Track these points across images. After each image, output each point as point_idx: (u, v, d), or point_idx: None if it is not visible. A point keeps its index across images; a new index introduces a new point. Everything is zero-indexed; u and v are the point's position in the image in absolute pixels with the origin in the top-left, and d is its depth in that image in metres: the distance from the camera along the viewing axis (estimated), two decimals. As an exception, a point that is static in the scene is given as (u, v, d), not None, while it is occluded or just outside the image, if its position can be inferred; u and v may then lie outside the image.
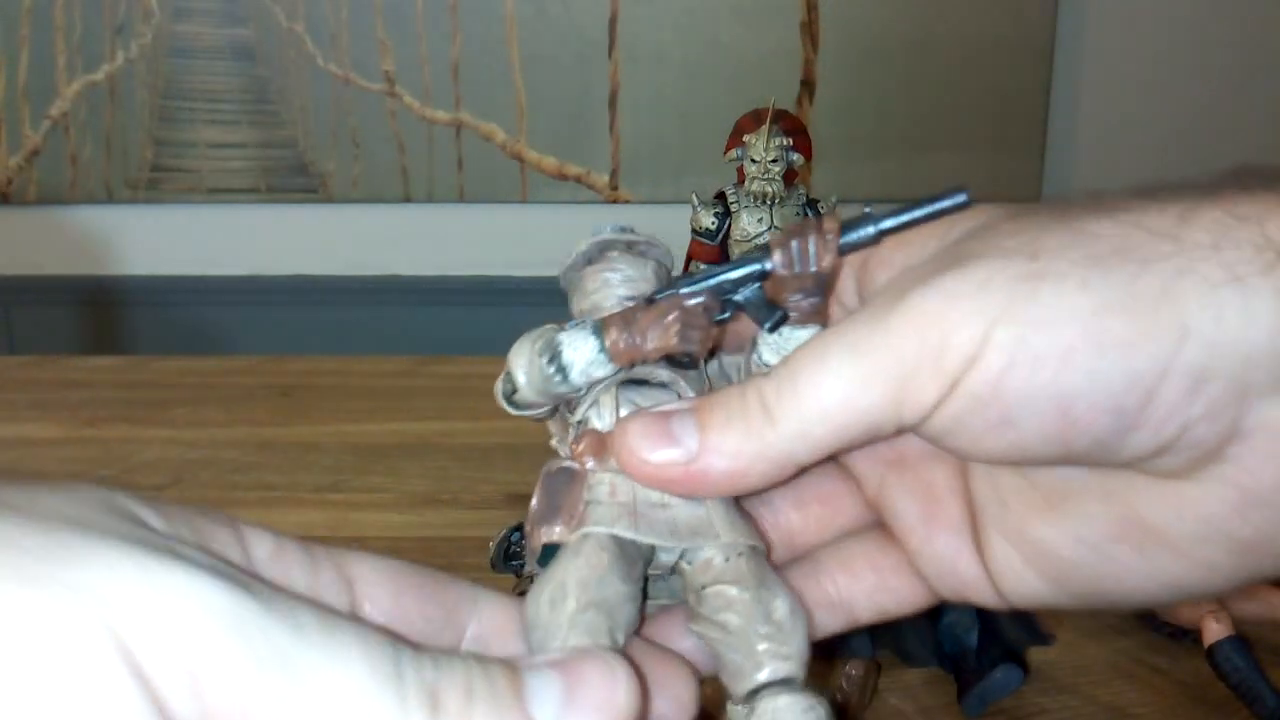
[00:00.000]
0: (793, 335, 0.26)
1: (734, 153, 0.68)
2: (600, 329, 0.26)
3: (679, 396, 0.26)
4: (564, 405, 0.27)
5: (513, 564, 0.55)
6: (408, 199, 1.57)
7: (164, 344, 1.61)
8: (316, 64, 1.53)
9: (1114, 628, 0.53)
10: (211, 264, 1.62)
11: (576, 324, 0.26)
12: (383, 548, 0.67)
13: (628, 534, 0.24)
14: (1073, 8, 1.50)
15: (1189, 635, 0.51)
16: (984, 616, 0.51)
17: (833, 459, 0.27)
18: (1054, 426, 0.22)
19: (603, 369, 0.26)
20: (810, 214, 0.69)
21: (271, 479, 0.72)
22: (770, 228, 0.68)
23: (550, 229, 1.59)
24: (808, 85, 1.50)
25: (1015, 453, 0.23)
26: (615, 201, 1.56)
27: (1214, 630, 0.47)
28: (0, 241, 1.61)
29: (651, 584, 0.25)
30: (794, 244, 0.25)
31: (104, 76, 1.54)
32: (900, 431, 0.24)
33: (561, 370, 0.26)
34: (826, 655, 0.50)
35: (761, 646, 0.23)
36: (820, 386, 0.23)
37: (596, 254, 0.28)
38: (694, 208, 0.70)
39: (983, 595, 0.26)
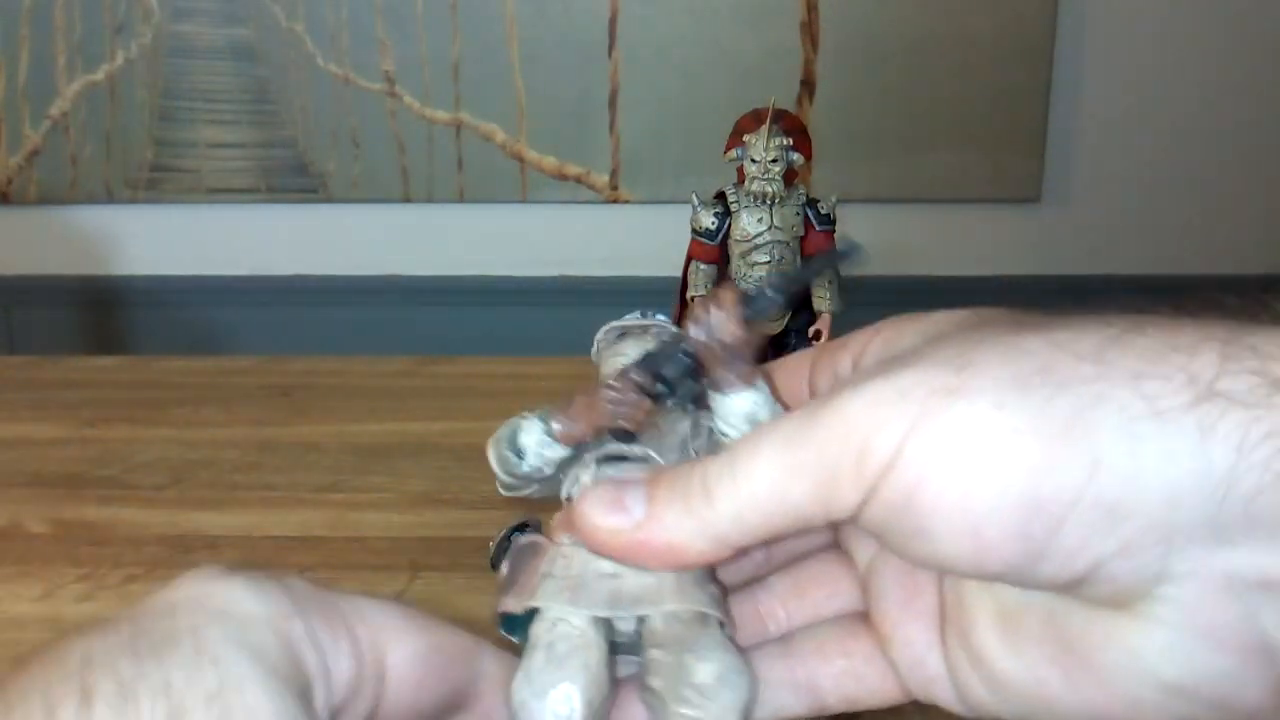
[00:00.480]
0: (727, 400, 0.28)
1: (734, 153, 0.68)
2: (546, 416, 0.29)
3: (656, 468, 0.28)
4: (555, 486, 0.30)
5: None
6: (408, 199, 1.57)
7: (164, 344, 1.62)
8: (316, 64, 1.53)
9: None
10: (211, 264, 1.62)
11: (532, 413, 0.30)
12: (383, 548, 0.68)
13: (565, 606, 0.25)
14: (1073, 8, 1.50)
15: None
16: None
17: (834, 549, 0.29)
18: (965, 545, 0.22)
19: (552, 450, 0.29)
20: (810, 214, 0.69)
21: (271, 479, 0.72)
22: (770, 227, 0.68)
23: (550, 229, 1.59)
24: (808, 85, 1.50)
25: (937, 564, 0.23)
26: (615, 201, 1.56)
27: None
28: (0, 241, 1.61)
29: (618, 648, 0.26)
30: (703, 318, 0.28)
31: (104, 76, 1.54)
32: (834, 525, 0.24)
33: (519, 453, 0.29)
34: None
35: (678, 709, 0.24)
36: (753, 475, 0.24)
37: (614, 339, 0.32)
38: (694, 208, 0.70)
39: (945, 696, 0.26)
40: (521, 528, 0.57)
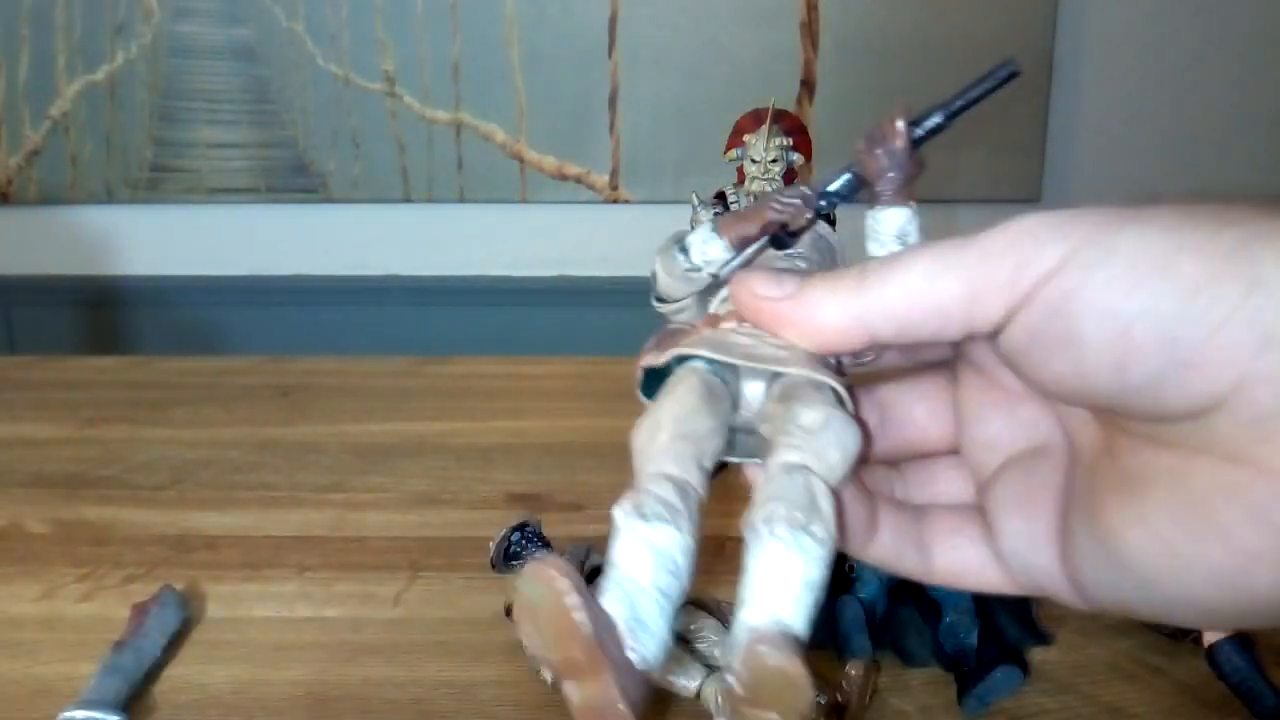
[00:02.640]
0: (881, 214, 0.30)
1: (734, 153, 0.68)
2: (714, 219, 0.31)
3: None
4: (705, 298, 0.31)
5: (513, 564, 0.55)
6: (408, 199, 1.57)
7: (164, 344, 1.62)
8: (316, 64, 1.53)
9: (1114, 628, 0.53)
10: (212, 264, 1.62)
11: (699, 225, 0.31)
12: (383, 548, 0.68)
13: (705, 352, 0.27)
14: (1073, 8, 1.50)
15: (1189, 635, 0.51)
16: (984, 616, 0.51)
17: (956, 458, 0.30)
18: (1114, 348, 0.23)
19: (715, 247, 0.30)
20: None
21: (272, 479, 0.72)
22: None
23: (550, 229, 1.59)
24: (807, 85, 1.50)
25: (1077, 378, 0.24)
26: (615, 201, 1.56)
27: (1214, 630, 0.47)
28: (0, 241, 1.61)
29: (739, 441, 0.28)
30: (872, 130, 0.30)
31: (104, 76, 1.54)
32: (969, 335, 0.25)
33: (684, 250, 0.31)
34: (820, 648, 0.50)
35: (780, 439, 0.25)
36: (910, 267, 0.25)
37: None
38: (694, 208, 0.70)
39: (1050, 582, 0.27)
40: (521, 527, 0.57)
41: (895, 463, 0.31)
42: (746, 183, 0.68)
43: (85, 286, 1.62)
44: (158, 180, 1.57)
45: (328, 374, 0.89)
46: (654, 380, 0.28)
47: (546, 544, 0.56)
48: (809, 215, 0.30)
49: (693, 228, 0.74)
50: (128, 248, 1.62)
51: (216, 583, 0.60)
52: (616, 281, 1.57)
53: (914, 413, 0.31)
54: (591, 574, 0.28)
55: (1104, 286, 0.23)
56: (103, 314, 1.65)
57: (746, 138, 0.67)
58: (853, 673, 0.47)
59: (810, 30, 1.49)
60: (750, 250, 0.31)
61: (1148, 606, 0.25)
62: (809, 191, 0.30)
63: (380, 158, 1.55)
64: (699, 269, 0.31)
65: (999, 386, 0.29)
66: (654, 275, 0.32)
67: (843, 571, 0.53)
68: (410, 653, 0.54)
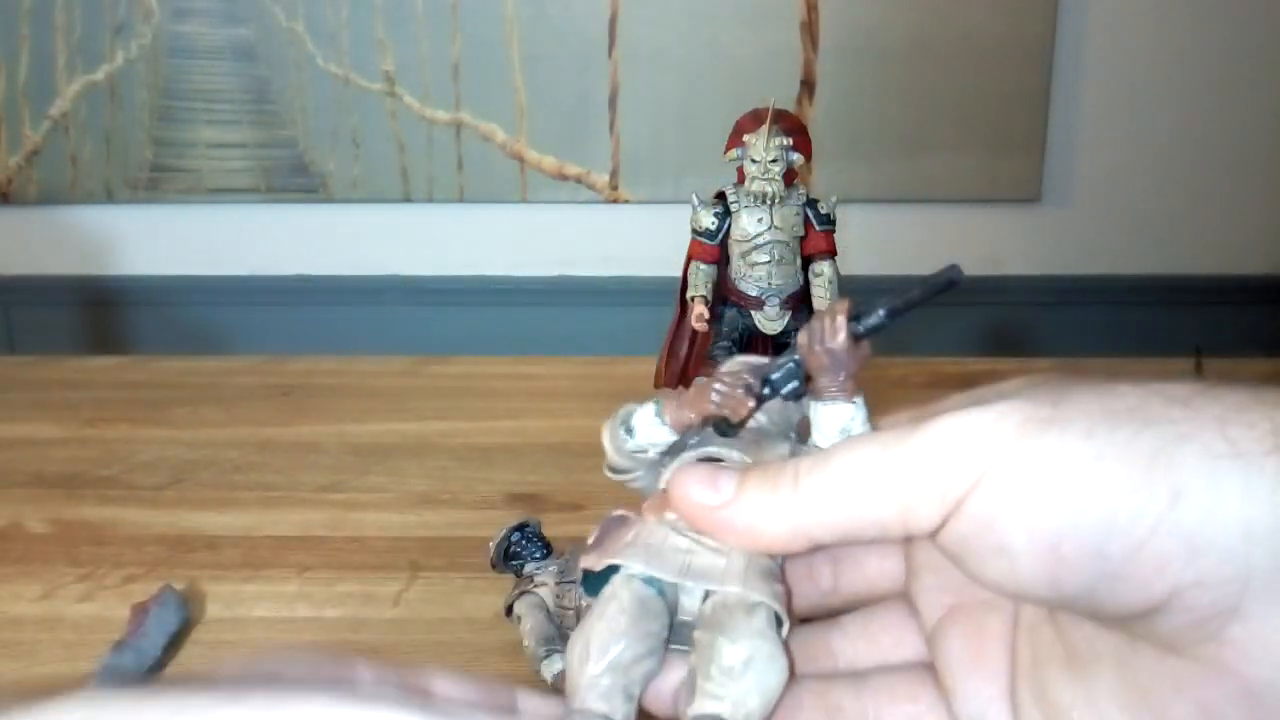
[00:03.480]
0: (824, 409, 0.30)
1: (734, 153, 0.68)
2: (660, 402, 0.31)
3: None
4: (656, 468, 0.32)
5: (512, 564, 0.55)
6: (408, 199, 1.57)
7: (164, 344, 1.62)
8: (316, 64, 1.53)
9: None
10: (212, 264, 1.62)
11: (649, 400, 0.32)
12: (383, 548, 0.68)
13: (637, 566, 0.27)
14: (1073, 8, 1.50)
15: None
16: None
17: (903, 600, 0.30)
18: (1043, 562, 0.23)
19: (659, 431, 0.31)
20: (810, 213, 0.69)
21: (272, 479, 0.72)
22: (770, 227, 0.68)
23: (550, 229, 1.59)
24: (807, 85, 1.50)
25: (1014, 583, 0.24)
26: (615, 202, 1.56)
27: None
28: (1, 241, 1.61)
29: (678, 631, 0.28)
30: (814, 325, 0.29)
31: (104, 76, 1.54)
32: (910, 538, 0.26)
33: (629, 431, 0.31)
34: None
35: (700, 684, 0.25)
36: (843, 475, 0.25)
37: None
38: (694, 208, 0.70)
39: None
40: (521, 527, 0.57)
41: (837, 615, 0.31)
42: (747, 182, 0.68)
43: (85, 286, 1.62)
44: (158, 180, 1.57)
45: (328, 374, 0.89)
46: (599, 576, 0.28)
47: (546, 544, 0.56)
48: (751, 405, 0.30)
49: (693, 229, 0.74)
50: (128, 247, 1.62)
51: (216, 583, 0.60)
52: (616, 281, 1.57)
53: (865, 562, 0.30)
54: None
55: (1028, 503, 0.23)
56: (103, 314, 1.65)
57: (747, 138, 0.67)
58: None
59: (810, 30, 1.49)
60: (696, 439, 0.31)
61: None
62: (752, 380, 0.30)
63: (380, 157, 1.55)
64: (645, 450, 0.31)
65: None
66: (604, 449, 0.32)
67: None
68: (410, 653, 0.54)
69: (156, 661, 0.52)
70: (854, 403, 0.29)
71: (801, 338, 0.30)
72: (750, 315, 0.69)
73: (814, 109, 1.51)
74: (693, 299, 0.69)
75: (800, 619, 0.30)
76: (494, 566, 0.56)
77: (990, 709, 0.27)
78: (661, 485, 0.30)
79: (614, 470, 0.32)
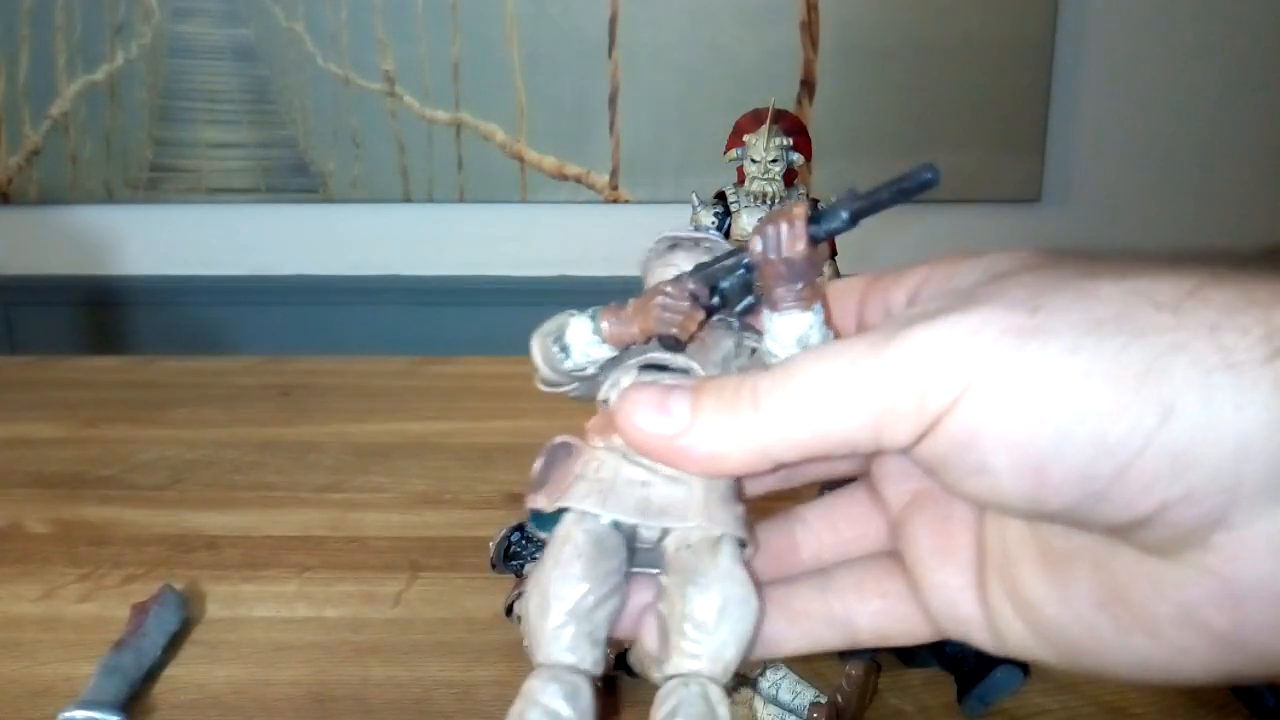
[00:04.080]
0: (779, 319, 0.27)
1: (734, 152, 0.68)
2: (596, 314, 0.28)
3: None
4: (593, 387, 0.29)
5: (512, 564, 0.55)
6: (408, 199, 1.57)
7: (164, 344, 1.62)
8: (316, 64, 1.53)
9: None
10: (212, 264, 1.62)
11: (584, 311, 0.29)
12: (383, 548, 0.68)
13: (592, 509, 0.26)
14: (1073, 8, 1.50)
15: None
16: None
17: (865, 485, 0.29)
18: (1027, 482, 0.22)
19: (599, 349, 0.28)
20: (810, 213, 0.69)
21: (272, 479, 0.72)
22: (770, 228, 0.68)
23: (550, 229, 1.59)
24: (807, 85, 1.50)
25: (995, 500, 0.23)
26: (615, 201, 1.56)
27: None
28: (0, 241, 1.61)
29: (638, 555, 0.27)
30: (769, 231, 0.27)
31: (104, 76, 1.54)
32: (881, 452, 0.24)
33: (564, 349, 0.29)
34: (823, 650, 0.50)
35: (676, 640, 0.25)
36: (807, 394, 0.24)
37: (663, 250, 0.31)
38: (694, 208, 0.70)
39: (980, 636, 0.26)
40: (521, 527, 0.57)
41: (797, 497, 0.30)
42: (747, 182, 0.68)
43: (85, 286, 1.62)
44: (158, 180, 1.57)
45: (328, 374, 0.89)
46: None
47: (545, 544, 0.56)
48: (700, 319, 0.27)
49: (693, 229, 0.74)
50: (128, 247, 1.62)
51: (216, 583, 0.60)
52: (616, 281, 1.56)
53: None
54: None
55: (1010, 421, 0.22)
56: (103, 314, 1.65)
57: (747, 138, 0.67)
58: (853, 673, 0.47)
59: (810, 30, 1.49)
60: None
61: (1074, 670, 0.25)
62: (698, 289, 0.27)
63: (380, 157, 1.55)
64: (583, 368, 0.29)
65: None
66: (534, 362, 0.30)
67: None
68: (410, 653, 0.54)
69: (156, 661, 0.52)
70: (812, 309, 0.27)
71: (755, 244, 0.27)
72: (750, 315, 0.69)
73: (814, 109, 1.51)
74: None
75: (754, 498, 0.29)
76: (494, 567, 0.56)
77: (960, 599, 0.26)
78: (602, 397, 0.28)
79: (546, 384, 0.30)
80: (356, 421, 0.80)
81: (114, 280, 1.62)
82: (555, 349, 0.29)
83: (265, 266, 1.61)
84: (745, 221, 0.68)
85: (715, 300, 0.28)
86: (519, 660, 0.52)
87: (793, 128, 0.68)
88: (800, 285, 0.27)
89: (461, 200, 1.57)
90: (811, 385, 0.24)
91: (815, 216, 0.27)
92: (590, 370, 0.29)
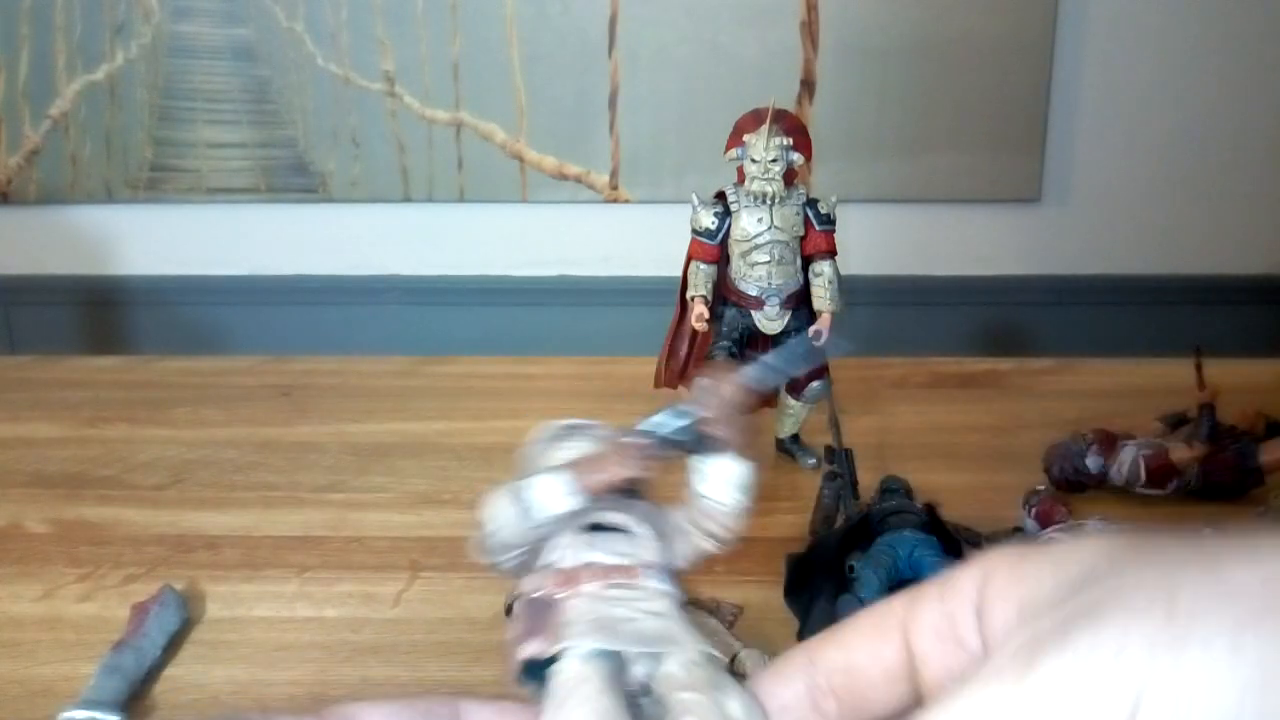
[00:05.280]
0: (719, 463, 0.31)
1: (734, 152, 0.68)
2: (564, 473, 0.31)
3: (633, 536, 0.31)
4: (530, 557, 0.32)
5: (513, 564, 0.56)
6: (408, 199, 1.57)
7: (164, 344, 1.62)
8: (316, 64, 1.53)
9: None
10: (212, 264, 1.62)
11: (531, 476, 0.32)
12: (383, 547, 0.68)
13: (600, 643, 0.27)
14: (1073, 8, 1.50)
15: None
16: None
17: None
18: None
19: (564, 502, 0.31)
20: (810, 213, 0.69)
21: (271, 479, 0.72)
22: (770, 227, 0.68)
23: (550, 229, 1.59)
24: (807, 85, 1.50)
25: None
26: (615, 201, 1.56)
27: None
28: (1, 241, 1.61)
29: (631, 711, 0.28)
30: (705, 385, 0.31)
31: (104, 76, 1.54)
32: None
33: (527, 508, 0.31)
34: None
35: None
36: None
37: (557, 438, 0.35)
38: (694, 207, 0.70)
39: None
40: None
41: None
42: (747, 182, 0.68)
43: (85, 286, 1.62)
44: (158, 180, 1.57)
45: (327, 374, 0.89)
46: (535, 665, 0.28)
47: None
48: (652, 465, 0.31)
49: (693, 229, 0.74)
50: (127, 247, 1.62)
51: (216, 583, 0.60)
52: (616, 281, 1.57)
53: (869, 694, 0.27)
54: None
55: None
56: (103, 313, 1.65)
57: (747, 137, 0.67)
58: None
59: (810, 30, 1.49)
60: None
61: None
62: (649, 441, 0.31)
63: (380, 157, 1.56)
64: (542, 525, 0.31)
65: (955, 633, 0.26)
66: (481, 530, 0.32)
67: (843, 571, 0.53)
68: (410, 653, 0.54)
69: (157, 661, 0.52)
70: (747, 460, 0.31)
71: (696, 397, 0.31)
72: (750, 315, 0.69)
73: (814, 109, 1.51)
74: (693, 299, 0.69)
75: None
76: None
77: None
78: (545, 561, 0.30)
79: (495, 549, 0.32)
80: (356, 421, 0.80)
81: (114, 280, 1.62)
82: (518, 509, 0.31)
83: (265, 266, 1.62)
84: (745, 221, 0.68)
85: (668, 450, 0.31)
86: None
87: (792, 127, 0.68)
88: (740, 434, 0.31)
89: (461, 200, 1.57)
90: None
91: (748, 374, 0.32)
92: (543, 531, 0.31)
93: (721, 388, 0.31)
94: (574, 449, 0.33)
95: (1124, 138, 1.56)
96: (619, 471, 0.31)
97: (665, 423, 0.32)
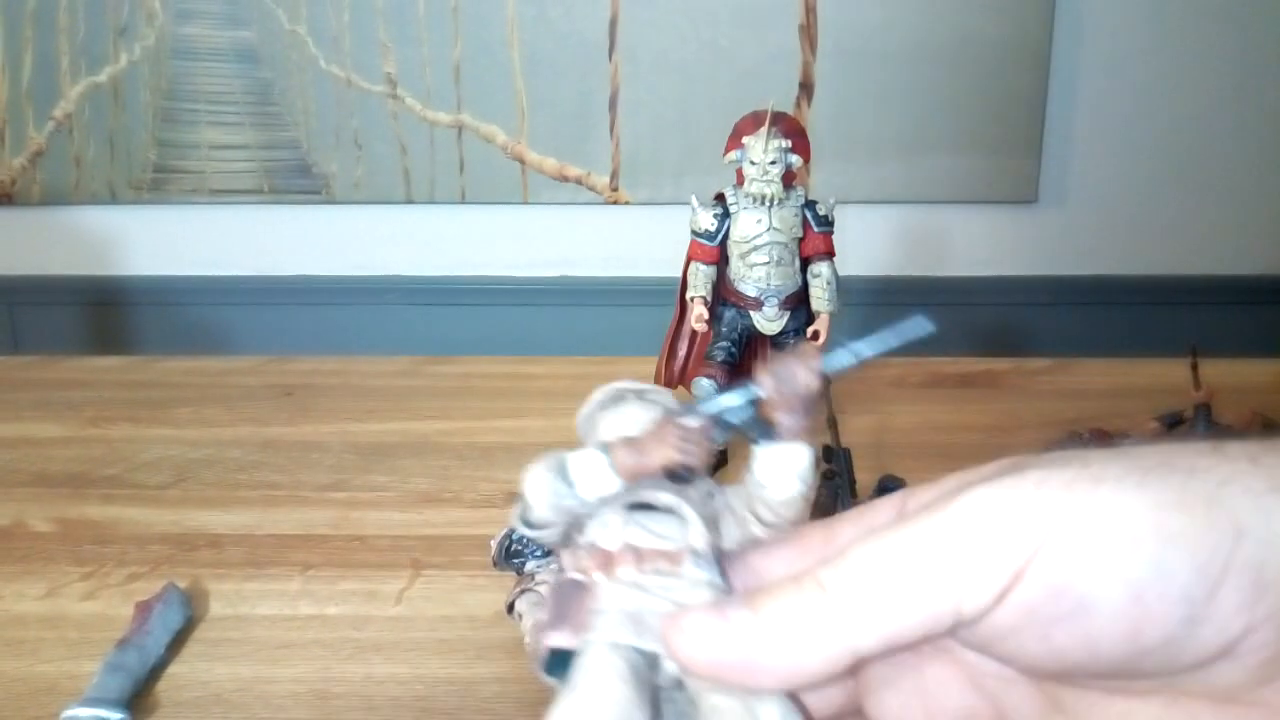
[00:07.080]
0: (781, 450, 0.29)
1: (733, 154, 0.69)
2: (607, 448, 0.29)
3: (683, 520, 0.28)
4: (573, 529, 0.30)
5: (514, 561, 0.56)
6: (409, 200, 1.58)
7: (167, 344, 1.62)
8: (319, 66, 1.53)
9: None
10: (215, 264, 1.62)
11: (583, 448, 0.30)
12: (385, 546, 0.68)
13: (628, 640, 0.26)
14: (1070, 10, 1.50)
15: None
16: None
17: None
18: (1128, 615, 0.22)
19: (606, 482, 0.29)
20: (809, 215, 0.69)
21: (274, 478, 0.72)
22: (769, 229, 0.68)
23: (551, 230, 1.60)
24: (806, 87, 1.51)
25: (1083, 648, 0.23)
26: (616, 203, 1.56)
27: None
28: (5, 242, 1.62)
29: (661, 704, 0.26)
30: (780, 370, 0.28)
31: (107, 78, 1.54)
32: (957, 625, 0.23)
33: (569, 484, 0.29)
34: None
35: None
36: (877, 569, 0.23)
37: (610, 402, 0.32)
38: (694, 209, 0.70)
39: None
40: (521, 526, 0.57)
41: None
42: (746, 184, 0.68)
43: (89, 287, 1.63)
44: (161, 181, 1.58)
45: (330, 374, 0.90)
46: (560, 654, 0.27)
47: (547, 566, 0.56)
48: (711, 449, 0.28)
49: (692, 230, 0.74)
50: (131, 248, 1.62)
51: (219, 581, 0.60)
52: (616, 282, 1.57)
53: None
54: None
55: (1104, 558, 0.22)
56: (106, 314, 1.65)
57: (746, 140, 0.68)
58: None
59: (809, 33, 1.49)
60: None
61: None
62: (704, 421, 0.28)
63: (382, 159, 1.56)
64: (584, 503, 0.29)
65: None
66: (522, 499, 0.29)
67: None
68: (412, 650, 0.54)
69: (160, 659, 0.53)
70: (811, 446, 0.29)
71: (766, 381, 0.28)
72: (749, 316, 0.69)
73: (812, 111, 1.51)
74: (692, 299, 0.70)
75: None
76: (495, 564, 0.57)
77: None
78: (589, 539, 0.29)
79: (531, 525, 0.30)
80: (359, 421, 0.80)
81: (117, 281, 1.62)
82: (559, 483, 0.29)
83: (268, 267, 1.62)
84: (744, 223, 0.68)
85: (726, 434, 0.29)
86: (520, 657, 0.52)
87: (791, 130, 0.68)
88: (805, 419, 0.29)
89: (463, 202, 1.57)
90: (877, 563, 0.23)
91: (824, 357, 0.29)
92: (585, 509, 0.29)
93: (798, 374, 0.28)
94: (626, 417, 0.31)
95: (1121, 139, 1.56)
96: (657, 458, 0.28)
97: (728, 404, 0.29)
